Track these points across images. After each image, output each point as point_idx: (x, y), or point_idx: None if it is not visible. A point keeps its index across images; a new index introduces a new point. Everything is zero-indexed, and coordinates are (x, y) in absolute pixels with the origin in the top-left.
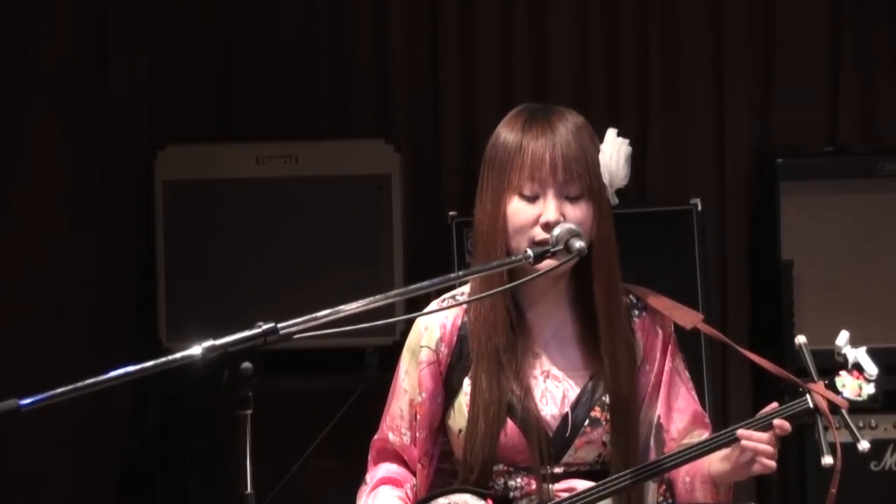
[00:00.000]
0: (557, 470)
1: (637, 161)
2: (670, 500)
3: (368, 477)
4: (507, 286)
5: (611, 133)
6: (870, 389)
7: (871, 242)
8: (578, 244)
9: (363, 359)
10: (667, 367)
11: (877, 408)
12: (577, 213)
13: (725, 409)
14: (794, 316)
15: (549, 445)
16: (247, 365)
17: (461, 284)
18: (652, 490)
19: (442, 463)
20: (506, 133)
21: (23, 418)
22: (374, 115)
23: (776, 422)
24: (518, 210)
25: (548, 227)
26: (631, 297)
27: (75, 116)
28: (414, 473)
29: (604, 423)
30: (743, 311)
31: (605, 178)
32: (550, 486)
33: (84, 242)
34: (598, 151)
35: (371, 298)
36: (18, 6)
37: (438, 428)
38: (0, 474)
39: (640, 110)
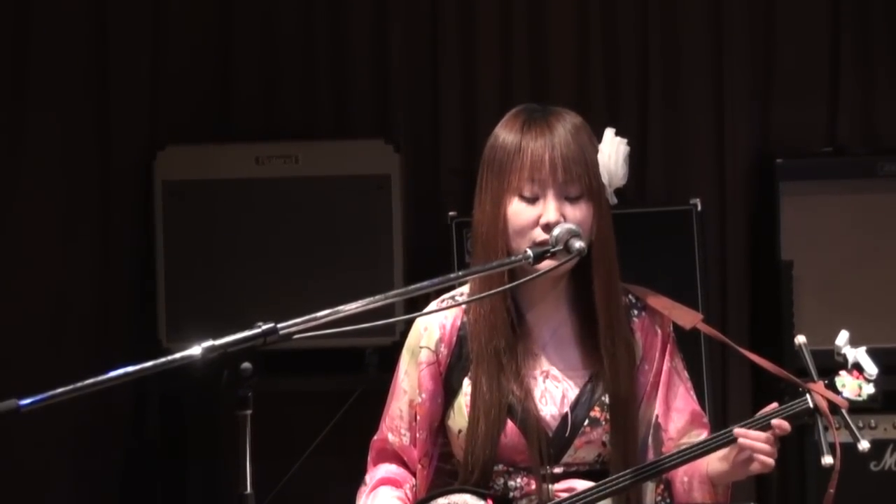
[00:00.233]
0: (557, 470)
1: (637, 161)
2: (668, 500)
3: (368, 477)
4: (507, 286)
5: (609, 133)
6: (869, 389)
7: (870, 243)
8: (578, 244)
9: (363, 359)
10: (665, 367)
11: (876, 408)
12: (577, 213)
13: (725, 409)
14: (794, 316)
15: (549, 446)
16: (246, 365)
17: (461, 285)
18: (650, 490)
19: (441, 463)
20: (504, 134)
21: (23, 418)
22: (374, 116)
23: (775, 421)
24: (518, 211)
25: (548, 227)
26: (630, 296)
27: (75, 117)
28: (413, 474)
29: (603, 423)
30: (742, 311)
31: (604, 178)
32: (550, 486)
33: (84, 242)
34: (596, 151)
35: (371, 299)
36: (18, 6)
37: (438, 428)
38: (0, 474)
39: (640, 110)
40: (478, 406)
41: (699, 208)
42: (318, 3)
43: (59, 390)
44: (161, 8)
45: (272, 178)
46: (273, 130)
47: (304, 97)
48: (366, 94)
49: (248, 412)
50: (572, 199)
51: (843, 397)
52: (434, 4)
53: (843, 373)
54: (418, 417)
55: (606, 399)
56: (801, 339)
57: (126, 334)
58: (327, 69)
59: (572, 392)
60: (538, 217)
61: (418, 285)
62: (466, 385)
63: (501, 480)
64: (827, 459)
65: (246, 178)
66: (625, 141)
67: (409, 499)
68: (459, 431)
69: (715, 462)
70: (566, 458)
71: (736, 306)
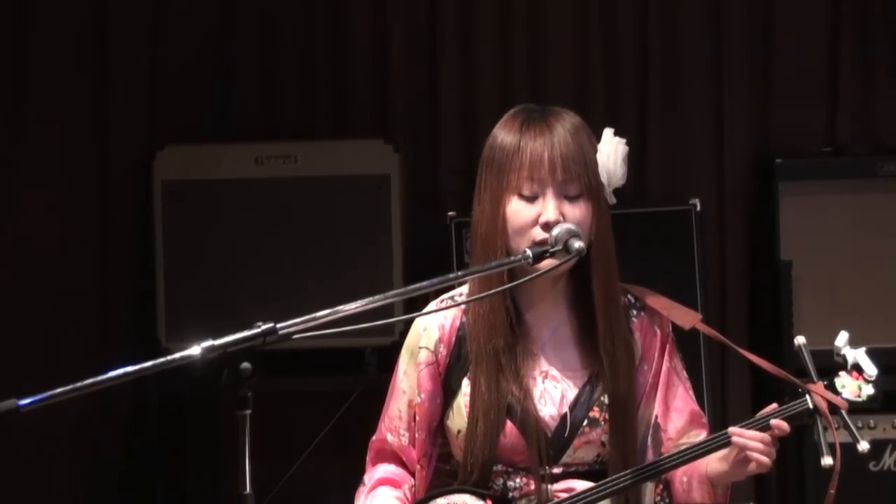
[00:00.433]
0: (556, 470)
1: (636, 161)
2: (667, 500)
3: (366, 477)
4: (506, 286)
5: (607, 133)
6: (869, 390)
7: (870, 242)
8: (578, 244)
9: (362, 359)
10: (664, 367)
11: (876, 408)
12: (576, 212)
13: (724, 409)
14: (793, 316)
15: (548, 446)
16: (246, 365)
17: (460, 285)
18: (649, 490)
19: (441, 464)
20: (503, 135)
21: (22, 418)
22: (374, 116)
23: (773, 422)
24: (518, 210)
25: (547, 226)
26: (629, 296)
27: (74, 117)
28: (412, 474)
29: (602, 423)
30: (742, 312)
31: (603, 178)
32: (549, 486)
33: (83, 242)
34: (595, 151)
35: (370, 298)
36: (18, 7)
37: (437, 429)
38: (0, 474)
39: (640, 110)
40: (477, 406)
41: (698, 208)
42: (317, 4)
43: (59, 390)
44: (160, 8)
45: (272, 178)
46: (273, 130)
47: (304, 97)
48: (365, 94)
49: (248, 412)
50: (571, 198)
51: (842, 398)
52: (433, 5)
53: (842, 374)
54: (417, 418)
55: (605, 399)
56: (800, 339)
57: (125, 334)
58: (327, 69)
59: (571, 392)
60: (537, 216)
61: (417, 285)
62: (465, 385)
63: (501, 481)
64: (827, 460)
65: (245, 178)
66: (623, 141)
67: (407, 499)
68: (458, 432)
69: (714, 462)
70: (565, 459)
71: (735, 306)
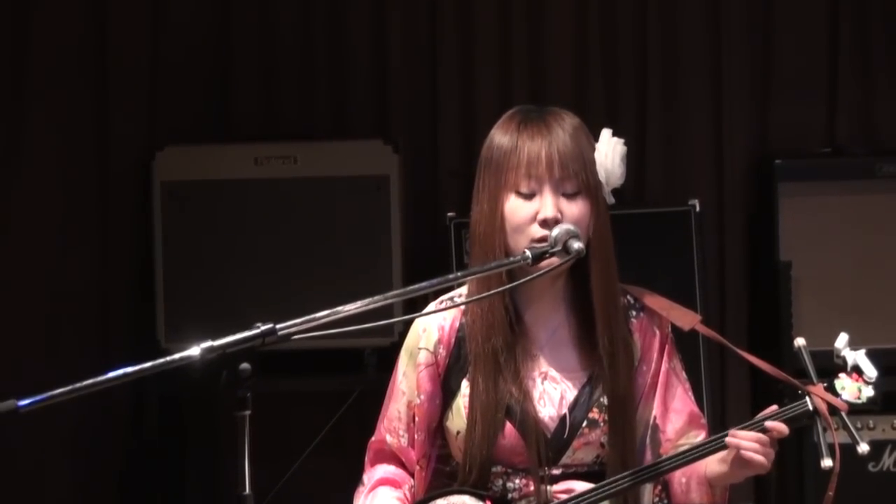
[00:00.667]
0: (555, 471)
1: (635, 162)
2: (666, 501)
3: (366, 478)
4: (506, 287)
5: (605, 133)
6: (869, 392)
7: (869, 243)
8: (577, 245)
9: (361, 359)
10: (664, 368)
11: (875, 409)
12: (574, 209)
13: (723, 410)
14: (793, 317)
15: (548, 447)
16: (245, 366)
17: (459, 285)
18: (648, 491)
19: (440, 465)
20: (501, 135)
21: (21, 419)
22: (373, 116)
23: (769, 424)
24: (515, 208)
25: (545, 223)
26: (629, 297)
27: (74, 117)
28: (411, 475)
29: (602, 424)
30: (741, 313)
31: (602, 177)
32: (548, 487)
33: (82, 243)
34: (593, 150)
35: (369, 299)
36: (18, 7)
37: (436, 430)
38: None
39: (639, 111)
40: (475, 406)
41: (698, 209)
42: (316, 4)
43: (58, 391)
44: (160, 8)
45: (271, 178)
46: (272, 131)
47: (303, 98)
48: (365, 95)
49: (247, 413)
50: (569, 196)
51: (842, 400)
52: (433, 5)
53: (842, 375)
54: (416, 419)
55: (605, 400)
56: (800, 341)
57: (125, 335)
58: (326, 70)
59: (571, 393)
60: (535, 213)
61: (417, 286)
62: (465, 387)
63: (500, 482)
64: (826, 462)
65: (245, 179)
66: (622, 141)
67: (408, 499)
68: (458, 433)
69: (713, 464)
70: (564, 460)
71: (734, 307)
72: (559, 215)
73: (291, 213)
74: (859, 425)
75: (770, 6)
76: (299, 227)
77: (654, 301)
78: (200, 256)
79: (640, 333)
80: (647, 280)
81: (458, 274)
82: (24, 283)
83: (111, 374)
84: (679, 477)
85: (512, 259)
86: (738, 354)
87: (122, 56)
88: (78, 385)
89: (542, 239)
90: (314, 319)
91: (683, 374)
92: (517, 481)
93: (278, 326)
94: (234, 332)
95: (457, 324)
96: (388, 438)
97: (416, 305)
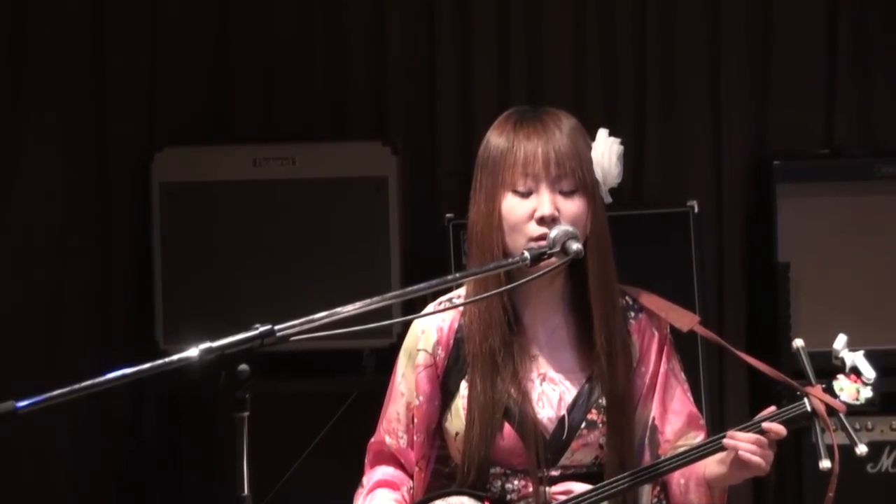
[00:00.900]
0: (554, 473)
1: (634, 163)
2: (665, 502)
3: (365, 479)
4: (504, 288)
5: (602, 133)
6: (867, 393)
7: (868, 244)
8: (576, 246)
9: (360, 361)
10: (662, 369)
11: (873, 410)
12: (571, 207)
13: (722, 411)
14: (791, 318)
15: (546, 448)
16: (243, 367)
17: (458, 286)
18: (647, 492)
19: (440, 466)
20: (497, 135)
21: (20, 420)
22: (371, 118)
23: (766, 425)
24: (513, 206)
25: (543, 221)
26: (627, 298)
27: (72, 118)
28: (411, 476)
29: (600, 425)
30: (740, 313)
31: (598, 176)
32: (547, 488)
33: (81, 244)
34: (590, 149)
35: (368, 300)
36: (16, 7)
37: (435, 431)
38: None
39: (637, 112)
40: (473, 406)
41: (696, 210)
42: (315, 5)
43: (57, 392)
44: (159, 9)
45: (269, 179)
46: (270, 132)
47: (302, 99)
48: (363, 96)
49: (246, 414)
50: (566, 194)
51: (840, 401)
52: (431, 6)
53: (841, 376)
54: (415, 420)
55: (603, 401)
56: (798, 342)
57: (123, 336)
58: (324, 71)
59: (569, 394)
60: (532, 211)
61: (415, 287)
62: (464, 388)
63: (499, 483)
64: (825, 463)
65: (243, 180)
66: (618, 140)
67: (406, 501)
68: (456, 434)
69: (712, 465)
70: (563, 461)
71: (733, 308)
72: (556, 213)
73: (290, 214)
74: (858, 426)
75: (769, 7)
76: (298, 229)
77: (653, 302)
78: (199, 257)
79: (638, 334)
80: (645, 281)
81: (457, 275)
82: (24, 283)
83: (110, 375)
84: (678, 478)
85: (510, 260)
86: (736, 355)
87: (121, 57)
88: (77, 386)
89: (540, 237)
90: (313, 320)
91: (682, 375)
92: (516, 482)
93: (277, 327)
94: (232, 334)
95: (455, 325)
96: (388, 440)
97: (414, 307)
